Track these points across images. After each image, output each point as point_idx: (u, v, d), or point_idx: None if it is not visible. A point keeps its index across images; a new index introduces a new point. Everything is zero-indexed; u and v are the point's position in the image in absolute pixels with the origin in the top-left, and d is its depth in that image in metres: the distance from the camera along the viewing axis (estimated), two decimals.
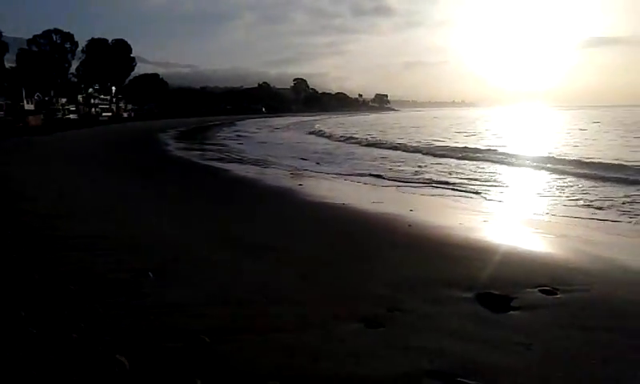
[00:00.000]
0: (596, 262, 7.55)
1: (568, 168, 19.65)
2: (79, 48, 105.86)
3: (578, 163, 20.76)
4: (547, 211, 12.35)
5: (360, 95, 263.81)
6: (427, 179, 18.03)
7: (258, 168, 21.83)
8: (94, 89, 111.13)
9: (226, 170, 20.65)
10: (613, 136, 42.58)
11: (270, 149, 33.76)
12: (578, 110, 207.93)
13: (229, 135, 52.74)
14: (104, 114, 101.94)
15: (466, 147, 29.99)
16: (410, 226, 9.93)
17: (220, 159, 25.88)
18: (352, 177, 18.89)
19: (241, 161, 25.27)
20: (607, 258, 7.82)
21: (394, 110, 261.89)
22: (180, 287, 6.02)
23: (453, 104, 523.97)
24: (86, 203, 12.10)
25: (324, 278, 6.53)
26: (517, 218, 11.86)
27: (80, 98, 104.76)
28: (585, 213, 11.89)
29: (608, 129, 54.78)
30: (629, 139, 38.35)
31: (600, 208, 12.32)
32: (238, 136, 51.03)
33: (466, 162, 23.58)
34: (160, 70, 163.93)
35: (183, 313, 5.20)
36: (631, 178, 16.38)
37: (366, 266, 7.09)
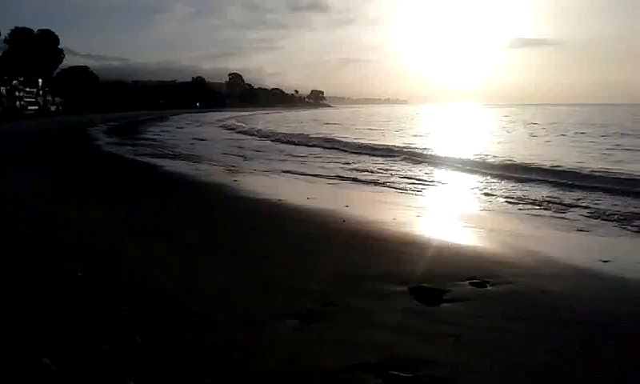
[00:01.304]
0: (523, 255, 7.86)
1: (493, 168, 20.06)
2: (1, 37, 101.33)
3: (502, 163, 21.26)
4: (477, 207, 12.77)
5: (296, 91, 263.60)
6: (360, 176, 18.22)
7: (192, 164, 21.47)
8: (18, 81, 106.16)
9: (159, 166, 20.20)
10: (537, 135, 44.18)
11: (203, 144, 33.30)
12: (505, 108, 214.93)
13: (162, 130, 51.61)
14: (30, 107, 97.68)
15: (396, 146, 30.13)
16: (344, 221, 10.01)
17: (153, 155, 25.30)
18: (287, 174, 18.86)
19: (174, 156, 24.79)
20: (534, 251, 8.14)
21: (329, 106, 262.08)
22: (111, 286, 5.86)
23: (387, 101, 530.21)
24: (10, 202, 11.59)
25: (260, 274, 6.50)
26: (448, 213, 12.18)
27: (3, 90, 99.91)
28: (512, 209, 12.33)
29: (531, 128, 56.80)
30: (553, 138, 40.08)
31: (526, 205, 12.81)
32: (171, 131, 50.02)
33: (398, 160, 23.88)
34: (90, 63, 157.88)
35: (114, 313, 5.06)
36: (551, 180, 16.80)
37: (301, 262, 7.10)
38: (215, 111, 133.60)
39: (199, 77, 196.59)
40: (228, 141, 37.11)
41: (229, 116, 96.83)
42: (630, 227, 10.18)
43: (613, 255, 7.87)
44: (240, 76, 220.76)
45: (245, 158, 24.80)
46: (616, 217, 11.04)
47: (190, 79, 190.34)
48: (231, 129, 55.68)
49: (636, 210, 11.60)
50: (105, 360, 4.11)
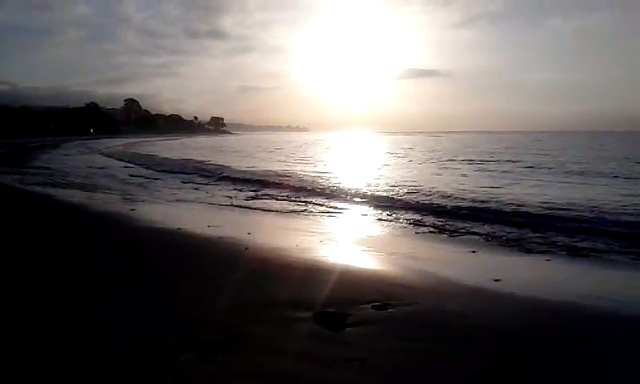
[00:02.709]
0: (422, 276, 8.13)
1: (385, 196, 20.40)
2: None
3: (393, 191, 21.85)
4: (375, 232, 13.13)
5: (195, 117, 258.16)
6: (261, 204, 18.16)
7: (86, 192, 20.54)
8: None
9: (51, 196, 19.13)
10: (420, 163, 45.55)
11: (96, 173, 31.96)
12: (398, 135, 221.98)
13: (53, 158, 49.04)
14: None
15: (296, 174, 29.85)
16: (246, 249, 9.92)
17: (43, 184, 23.93)
18: (186, 202, 18.48)
19: (66, 185, 23.60)
20: (431, 272, 8.44)
21: (230, 133, 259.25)
22: None
23: (288, 128, 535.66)
24: None
25: (159, 305, 6.28)
26: (348, 238, 12.38)
27: None
28: (409, 233, 12.77)
29: (417, 155, 58.73)
30: (439, 165, 42.00)
31: (421, 228, 13.33)
32: (63, 159, 47.66)
33: (296, 188, 23.85)
34: None
35: None
36: (436, 209, 17.44)
37: (203, 292, 6.93)
38: (110, 138, 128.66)
39: (93, 102, 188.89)
40: (122, 169, 35.79)
41: (125, 143, 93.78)
42: (516, 249, 10.85)
43: (503, 274, 8.31)
44: (136, 101, 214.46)
45: (141, 186, 24.06)
46: (504, 239, 11.73)
47: (83, 105, 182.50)
48: (125, 157, 53.66)
49: (519, 234, 12.39)
50: None
